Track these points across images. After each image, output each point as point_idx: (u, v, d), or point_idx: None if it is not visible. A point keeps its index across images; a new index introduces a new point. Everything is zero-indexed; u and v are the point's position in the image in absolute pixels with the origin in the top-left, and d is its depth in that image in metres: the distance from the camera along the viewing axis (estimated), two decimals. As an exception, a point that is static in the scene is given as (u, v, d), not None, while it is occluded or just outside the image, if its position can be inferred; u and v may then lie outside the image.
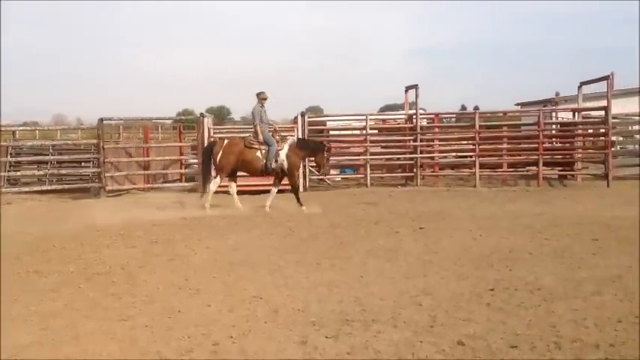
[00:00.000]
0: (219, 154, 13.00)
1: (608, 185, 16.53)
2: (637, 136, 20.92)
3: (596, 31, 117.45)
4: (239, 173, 13.49)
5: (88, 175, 17.59)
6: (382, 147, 19.23)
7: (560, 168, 18.77)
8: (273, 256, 8.20)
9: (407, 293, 6.26)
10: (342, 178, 19.39)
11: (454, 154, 19.52)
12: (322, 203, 13.63)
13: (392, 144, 19.09)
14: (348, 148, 19.30)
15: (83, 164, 18.43)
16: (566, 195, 15.00)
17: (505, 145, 18.56)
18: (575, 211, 12.07)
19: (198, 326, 5.34)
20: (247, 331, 5.19)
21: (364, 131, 18.42)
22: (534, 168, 17.73)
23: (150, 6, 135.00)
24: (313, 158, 13.75)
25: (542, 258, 7.78)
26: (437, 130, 19.45)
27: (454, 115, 26.97)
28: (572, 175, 18.32)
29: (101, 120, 16.62)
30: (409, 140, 18.35)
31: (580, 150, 18.61)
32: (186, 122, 29.30)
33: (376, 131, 19.61)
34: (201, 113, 17.68)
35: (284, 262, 7.85)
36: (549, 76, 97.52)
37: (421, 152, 18.14)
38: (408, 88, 19.49)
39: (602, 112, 17.49)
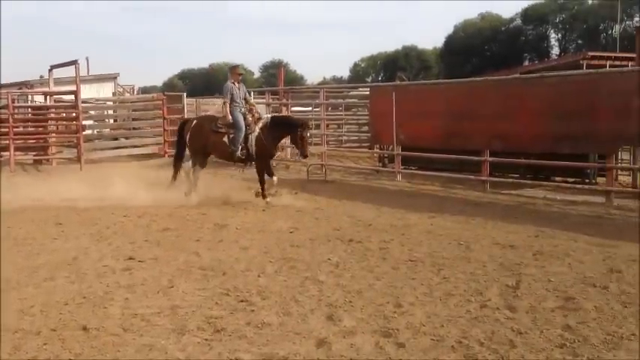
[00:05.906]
0: (188, 136, 11.24)
1: (81, 169, 16.92)
2: (111, 120, 22.09)
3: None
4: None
5: None
6: None
7: (34, 153, 18.39)
8: None
9: None
10: None
11: None
12: None
13: None
14: None
15: None
16: (44, 178, 14.71)
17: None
18: (41, 194, 11.67)
19: None
20: None
21: None
22: (6, 153, 16.96)
23: None
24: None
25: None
26: None
27: None
28: (48, 160, 18.15)
29: None
30: None
31: (54, 134, 18.54)
32: None
33: None
34: None
35: None
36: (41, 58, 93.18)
37: None
38: None
39: (73, 97, 17.81)
